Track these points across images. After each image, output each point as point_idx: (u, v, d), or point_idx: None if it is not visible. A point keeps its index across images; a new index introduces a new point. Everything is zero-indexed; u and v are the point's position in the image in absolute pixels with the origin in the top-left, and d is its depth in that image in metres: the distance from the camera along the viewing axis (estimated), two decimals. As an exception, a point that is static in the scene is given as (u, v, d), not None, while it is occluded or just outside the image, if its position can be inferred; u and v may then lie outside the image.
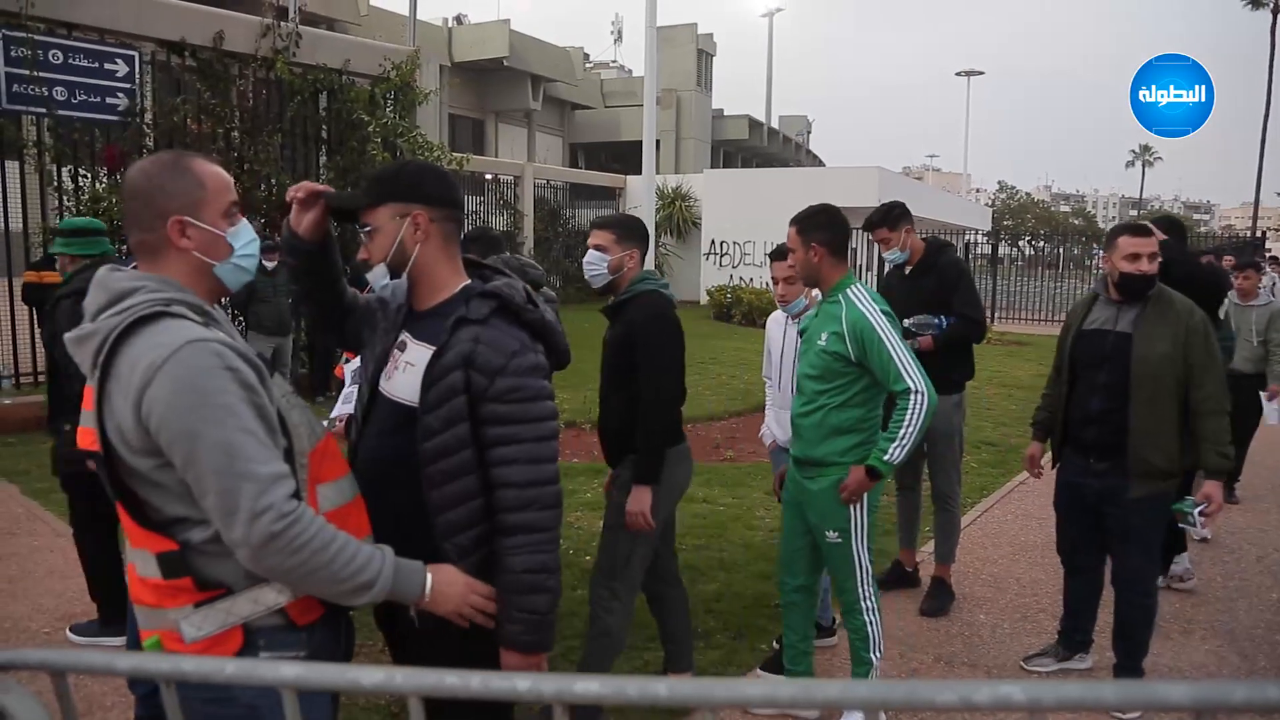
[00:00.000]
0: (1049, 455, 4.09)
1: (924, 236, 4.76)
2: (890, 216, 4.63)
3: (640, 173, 21.36)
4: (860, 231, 4.85)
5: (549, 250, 21.53)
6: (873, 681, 3.15)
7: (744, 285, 20.63)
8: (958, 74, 49.12)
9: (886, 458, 3.18)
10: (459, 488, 1.95)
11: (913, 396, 3.13)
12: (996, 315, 20.72)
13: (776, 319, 4.24)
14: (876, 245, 4.82)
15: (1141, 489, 3.64)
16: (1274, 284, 12.16)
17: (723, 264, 22.21)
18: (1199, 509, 3.68)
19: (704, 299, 21.47)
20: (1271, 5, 47.94)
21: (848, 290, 3.32)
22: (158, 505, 1.62)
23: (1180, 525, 3.71)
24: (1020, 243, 37.33)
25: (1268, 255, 14.55)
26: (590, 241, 3.40)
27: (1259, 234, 28.63)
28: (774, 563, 5.14)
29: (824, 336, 3.30)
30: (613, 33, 47.49)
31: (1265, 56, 47.29)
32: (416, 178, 2.04)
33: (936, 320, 4.51)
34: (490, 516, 1.98)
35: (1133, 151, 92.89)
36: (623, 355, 3.29)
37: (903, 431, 3.14)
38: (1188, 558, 5.19)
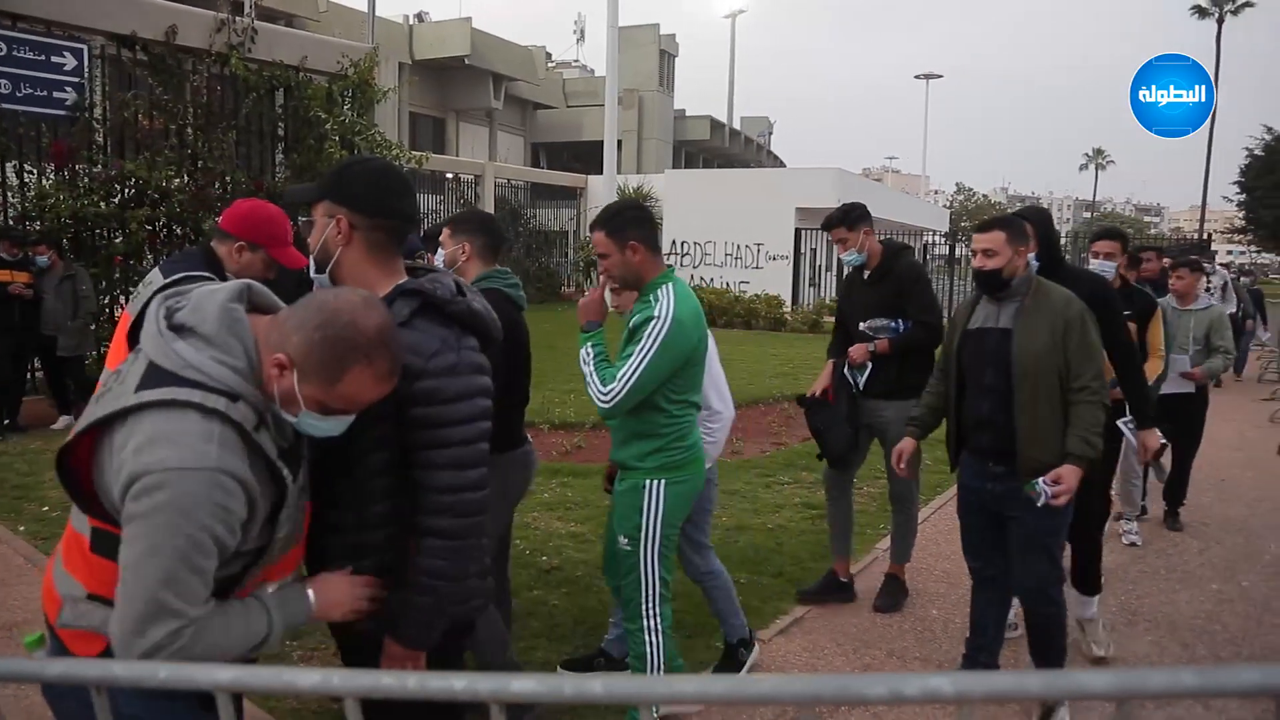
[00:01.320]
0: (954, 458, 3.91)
1: (882, 239, 4.77)
2: (850, 217, 4.61)
3: (602, 173, 21.44)
4: (820, 233, 4.88)
5: (510, 250, 21.46)
6: (807, 676, 3.08)
7: (705, 285, 20.72)
8: (916, 77, 49.68)
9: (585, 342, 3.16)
10: (375, 486, 1.92)
11: (606, 387, 3.02)
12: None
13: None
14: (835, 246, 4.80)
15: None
16: (1225, 285, 12.10)
17: (684, 264, 22.27)
18: (1048, 486, 3.44)
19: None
20: (1216, 15, 49.10)
21: (660, 289, 3.10)
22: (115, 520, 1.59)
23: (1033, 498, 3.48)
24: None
25: (1214, 258, 14.77)
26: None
27: (1205, 236, 29.29)
28: (731, 562, 5.15)
29: (626, 335, 3.16)
30: (575, 32, 47.35)
31: (1211, 64, 48.27)
32: (350, 181, 1.99)
33: (893, 324, 4.50)
34: (402, 518, 1.94)
35: (1086, 155, 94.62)
36: None
37: (590, 372, 3.09)
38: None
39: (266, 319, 1.69)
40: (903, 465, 3.94)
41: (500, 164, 26.10)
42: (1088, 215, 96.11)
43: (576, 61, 46.83)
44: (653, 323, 2.99)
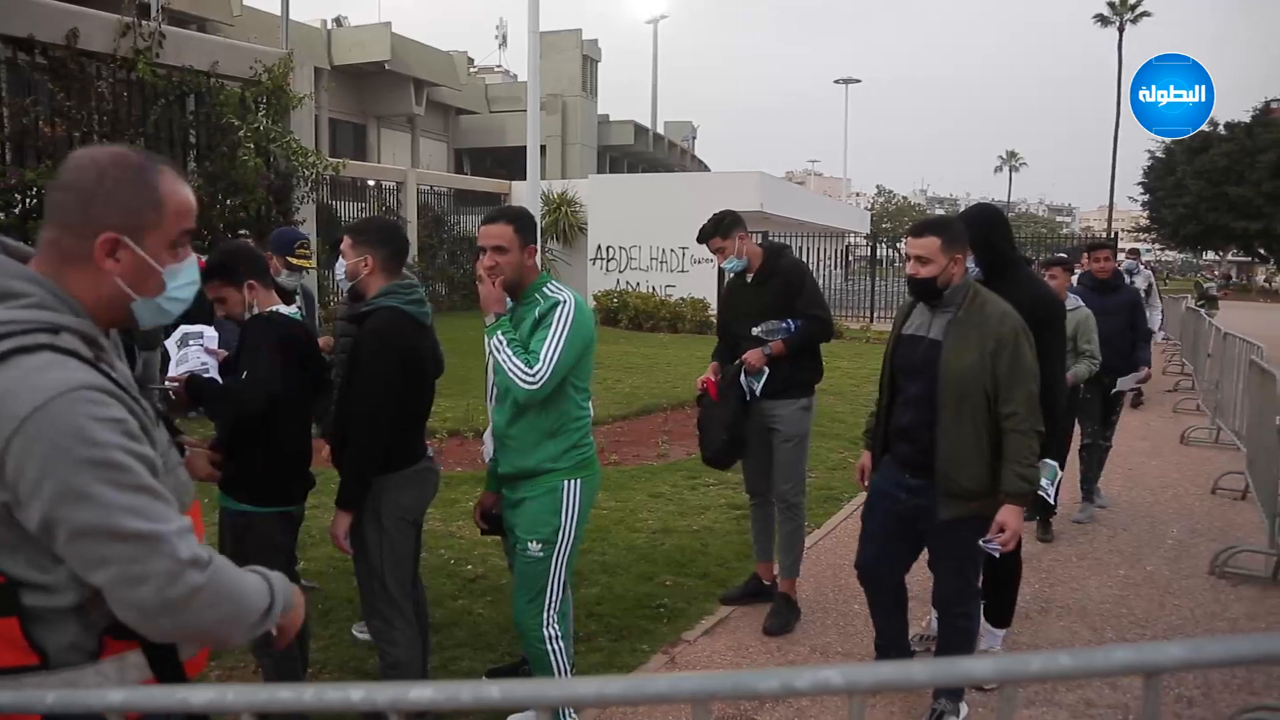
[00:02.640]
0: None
1: (760, 242, 4.77)
2: (722, 226, 4.52)
3: (525, 178, 21.27)
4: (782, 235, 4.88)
5: (434, 258, 21.22)
6: (701, 674, 2.92)
7: (631, 290, 20.78)
8: (836, 82, 50.61)
9: (493, 327, 3.14)
10: None
11: (535, 368, 3.04)
12: (876, 315, 21.41)
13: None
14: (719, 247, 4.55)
15: (950, 510, 3.31)
16: (1150, 287, 11.99)
17: (609, 269, 22.28)
18: (986, 543, 3.29)
19: (591, 304, 21.48)
20: (1117, 24, 51.17)
21: (547, 287, 3.21)
22: None
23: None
24: (898, 245, 38.68)
25: (1128, 251, 15.03)
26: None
27: (1112, 235, 30.44)
28: (657, 564, 5.22)
29: (527, 331, 3.17)
30: (497, 38, 47.16)
31: (1114, 70, 50.30)
32: None
33: (784, 324, 4.41)
34: None
35: (1000, 157, 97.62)
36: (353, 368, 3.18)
37: (506, 360, 3.07)
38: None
39: (40, 255, 1.50)
40: (865, 482, 3.79)
41: (422, 170, 25.78)
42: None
43: (499, 67, 46.63)
44: (559, 307, 3.11)
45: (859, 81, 50.77)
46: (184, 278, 1.57)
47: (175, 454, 1.63)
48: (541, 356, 3.05)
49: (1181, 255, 57.38)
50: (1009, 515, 3.21)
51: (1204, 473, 7.75)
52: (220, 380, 3.34)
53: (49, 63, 9.36)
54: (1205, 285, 18.34)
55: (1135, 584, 5.22)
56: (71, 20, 9.45)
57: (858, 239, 25.85)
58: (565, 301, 3.14)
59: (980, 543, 3.26)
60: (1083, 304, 5.97)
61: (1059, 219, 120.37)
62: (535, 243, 3.24)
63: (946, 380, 3.25)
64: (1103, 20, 51.98)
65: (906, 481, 3.47)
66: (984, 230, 3.85)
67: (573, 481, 3.23)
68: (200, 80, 10.58)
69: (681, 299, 19.73)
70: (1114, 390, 6.48)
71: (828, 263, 22.31)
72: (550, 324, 3.09)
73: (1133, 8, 51.13)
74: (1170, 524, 6.39)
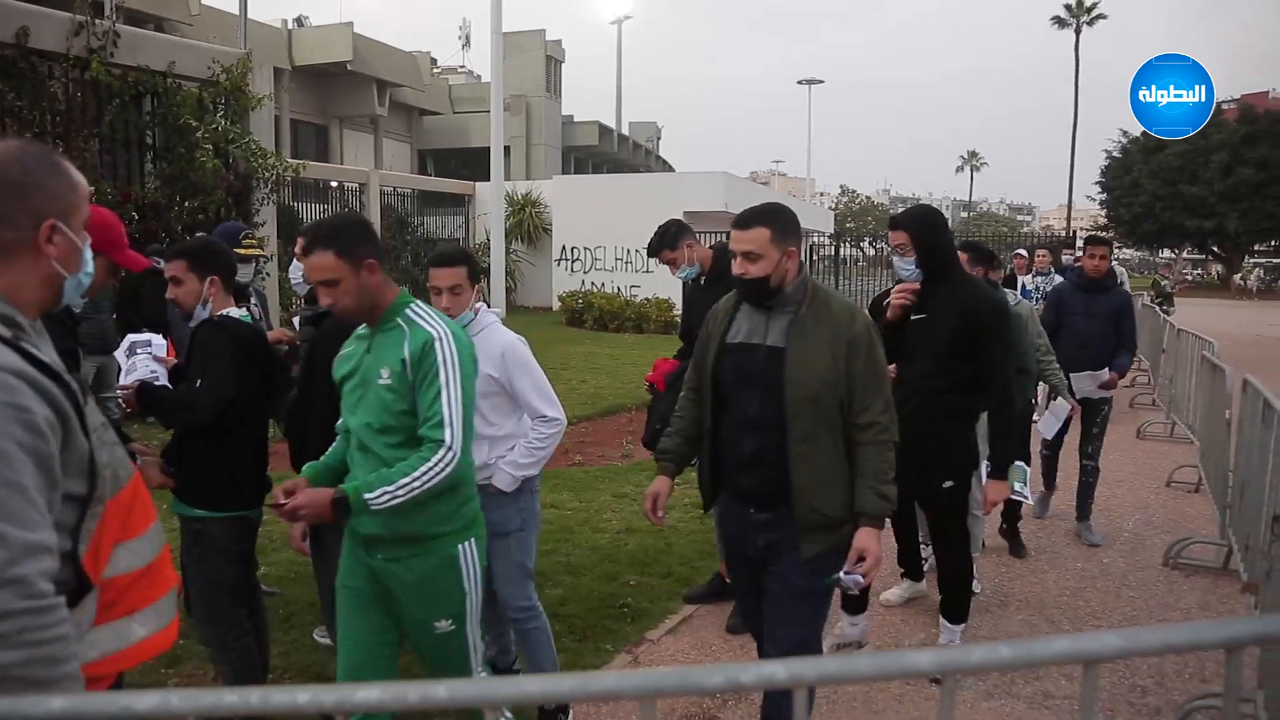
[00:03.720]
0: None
1: (712, 244, 4.80)
2: (668, 237, 4.50)
3: (489, 179, 21.20)
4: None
5: (397, 259, 21.06)
6: (647, 670, 2.59)
7: (596, 290, 20.76)
8: (799, 82, 50.94)
9: (368, 496, 2.47)
10: None
11: (442, 451, 2.51)
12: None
13: None
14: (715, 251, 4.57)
15: (813, 546, 2.79)
16: (1122, 280, 11.96)
17: (574, 270, 22.27)
18: (847, 575, 2.79)
19: (556, 305, 21.49)
20: (1074, 26, 52.04)
21: (407, 310, 2.67)
22: None
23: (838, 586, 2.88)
24: (862, 244, 39.07)
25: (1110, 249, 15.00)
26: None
27: (1071, 233, 30.93)
28: (620, 564, 5.23)
29: (385, 373, 2.60)
30: (460, 38, 46.86)
31: (1070, 70, 51.11)
32: None
33: None
34: None
35: (962, 157, 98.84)
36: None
37: (409, 481, 2.48)
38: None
39: None
40: (659, 514, 3.11)
41: (386, 171, 25.58)
42: (965, 215, 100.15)
43: (463, 67, 46.38)
44: (437, 347, 2.57)
45: (822, 82, 51.19)
46: (89, 254, 1.66)
47: (110, 433, 1.64)
48: (444, 421, 2.52)
49: (1138, 253, 58.38)
50: (869, 540, 2.75)
51: (1159, 466, 7.89)
52: (170, 387, 3.32)
53: (-1, 62, 9.19)
54: (1162, 283, 18.67)
55: (1092, 577, 5.31)
56: (21, 18, 9.27)
57: (821, 239, 25.98)
58: (439, 338, 2.59)
59: (841, 575, 2.77)
60: (1022, 299, 5.78)
61: (1019, 218, 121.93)
62: (375, 255, 2.61)
63: (796, 392, 2.74)
64: (1060, 22, 52.85)
65: (753, 518, 2.90)
66: (927, 232, 3.75)
67: (467, 544, 2.74)
68: (157, 80, 10.42)
69: (646, 299, 19.75)
70: (1079, 397, 5.87)
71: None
72: (433, 372, 2.55)
73: (1089, 10, 52.01)
74: (1126, 517, 6.50)
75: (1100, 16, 52.19)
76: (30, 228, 1.52)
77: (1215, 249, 48.74)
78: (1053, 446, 6.25)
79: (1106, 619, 4.71)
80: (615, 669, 4.07)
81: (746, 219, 2.85)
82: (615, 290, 20.81)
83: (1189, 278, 48.89)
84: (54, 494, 1.43)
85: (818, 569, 2.80)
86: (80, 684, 1.41)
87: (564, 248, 22.49)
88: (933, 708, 3.73)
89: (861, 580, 2.79)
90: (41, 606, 1.33)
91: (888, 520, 3.04)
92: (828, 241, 26.29)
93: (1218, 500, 6.02)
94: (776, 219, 2.83)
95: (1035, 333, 5.45)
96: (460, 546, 2.71)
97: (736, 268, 2.82)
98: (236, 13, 13.63)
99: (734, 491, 2.95)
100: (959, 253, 4.99)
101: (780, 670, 1.08)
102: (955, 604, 4.24)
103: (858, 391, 2.75)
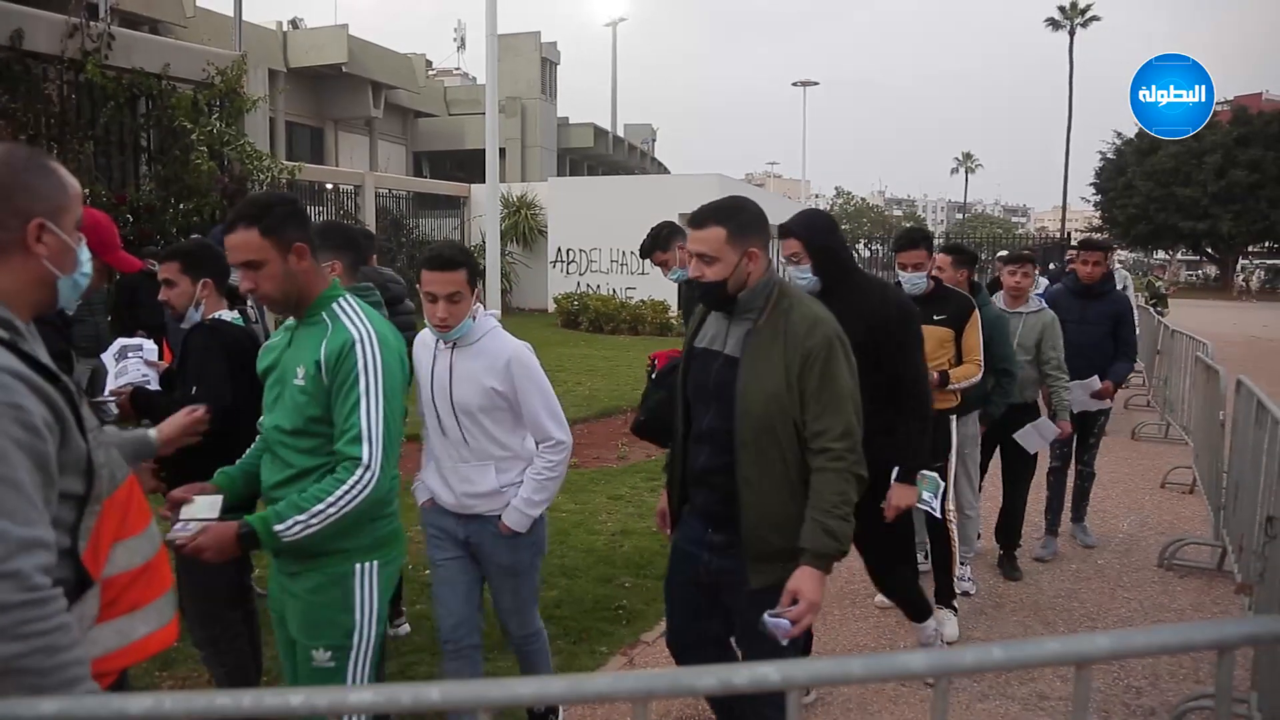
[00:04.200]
0: None
1: None
2: (660, 239, 4.49)
3: (485, 181, 21.19)
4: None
5: (393, 261, 21.03)
6: (639, 672, 2.41)
7: (591, 293, 20.77)
8: (794, 84, 51.11)
9: (279, 527, 2.26)
10: None
11: (359, 472, 2.27)
12: (835, 316, 21.57)
13: (425, 342, 3.12)
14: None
15: (762, 577, 2.56)
16: (1126, 287, 11.28)
17: (569, 272, 22.28)
18: (771, 617, 2.43)
19: (551, 307, 21.50)
20: (1068, 27, 52.24)
21: (334, 304, 2.41)
22: None
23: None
24: (857, 245, 39.17)
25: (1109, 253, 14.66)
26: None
27: (1066, 235, 30.99)
28: (616, 566, 5.23)
29: (300, 373, 2.37)
30: (455, 40, 46.83)
31: (1065, 72, 51.30)
32: None
33: None
34: None
35: (956, 159, 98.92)
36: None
37: (324, 507, 2.26)
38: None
39: None
40: (670, 530, 2.97)
41: (381, 174, 25.57)
42: (960, 217, 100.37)
43: (458, 69, 46.36)
44: (355, 345, 2.32)
45: (817, 84, 51.44)
46: (85, 254, 1.68)
47: (103, 433, 1.70)
48: (361, 435, 2.28)
49: (1132, 255, 58.56)
50: (805, 581, 2.43)
51: (1154, 467, 7.91)
52: (160, 391, 3.32)
53: (-7, 64, 9.18)
54: (1156, 284, 18.71)
55: (1086, 578, 5.32)
56: (16, 21, 9.27)
57: (817, 240, 26.08)
58: (360, 340, 2.33)
59: (765, 616, 2.43)
60: (1046, 306, 5.47)
61: (1014, 219, 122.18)
62: (307, 240, 2.38)
63: (745, 409, 2.53)
64: (1054, 24, 53.03)
65: (709, 538, 2.72)
66: (821, 237, 3.47)
67: (367, 565, 2.43)
68: (151, 82, 10.42)
69: (642, 301, 19.76)
70: (1076, 412, 5.52)
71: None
72: (352, 379, 2.30)
73: (1082, 12, 52.18)
74: (1121, 518, 6.51)
75: (1094, 18, 52.39)
76: (18, 228, 1.54)
77: (1209, 250, 48.91)
78: (1059, 472, 5.82)
79: (1101, 620, 4.72)
80: (610, 671, 4.07)
81: (700, 217, 2.60)
82: (611, 292, 20.80)
83: (1180, 279, 49.01)
84: (51, 491, 1.47)
85: (767, 604, 2.46)
86: (86, 669, 1.45)
87: (559, 250, 22.49)
88: (928, 710, 3.73)
89: (787, 626, 2.39)
90: (38, 599, 1.37)
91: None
92: (823, 243, 26.32)
93: (1212, 501, 6.03)
94: (734, 216, 2.59)
95: (1050, 345, 5.23)
96: (357, 567, 2.41)
97: (691, 270, 2.62)
98: (231, 15, 13.64)
99: (693, 506, 2.79)
100: (942, 254, 4.99)
101: (773, 672, 1.08)
102: (912, 611, 4.00)
103: (810, 412, 2.50)
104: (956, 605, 4.52)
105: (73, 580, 1.52)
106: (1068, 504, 5.93)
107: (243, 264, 2.32)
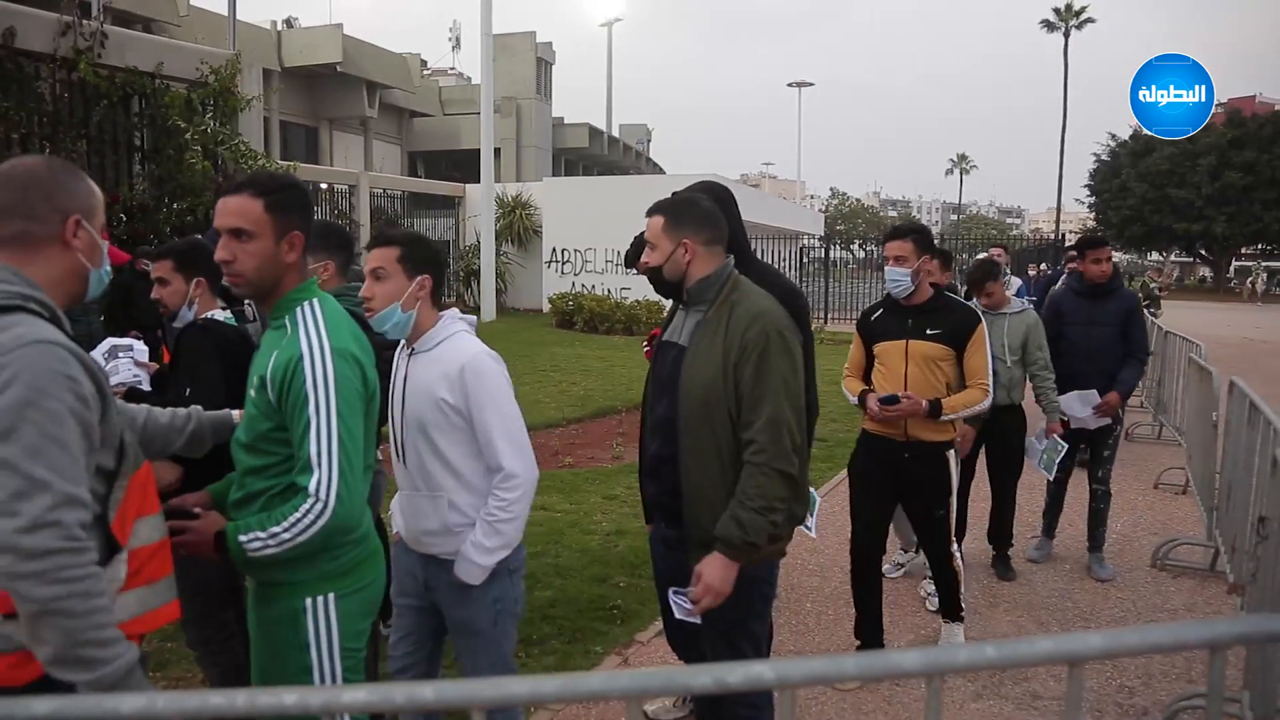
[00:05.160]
0: None
1: None
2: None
3: (480, 181, 21.23)
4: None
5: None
6: (633, 671, 2.12)
7: (586, 292, 20.77)
8: (789, 85, 51.15)
9: (243, 538, 2.06)
10: None
11: (308, 504, 2.05)
12: (829, 316, 21.61)
13: (400, 349, 2.77)
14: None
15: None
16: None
17: (564, 271, 22.30)
18: (675, 593, 2.61)
19: (546, 307, 21.50)
20: (1063, 29, 52.37)
21: (299, 309, 2.17)
22: None
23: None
24: (852, 246, 39.23)
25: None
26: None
27: (1061, 236, 31.06)
28: (610, 566, 5.23)
29: (255, 381, 2.18)
30: (451, 40, 46.83)
31: (1060, 73, 51.41)
32: None
33: None
34: None
35: (951, 160, 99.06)
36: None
37: (278, 531, 2.05)
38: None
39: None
40: None
41: (376, 173, 25.58)
42: (955, 218, 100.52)
43: (453, 69, 46.38)
44: (302, 361, 2.08)
45: (812, 85, 51.49)
46: (106, 254, 1.87)
47: (127, 416, 1.92)
48: (311, 463, 2.05)
49: (1126, 256, 58.77)
50: (709, 566, 2.46)
51: (1147, 468, 7.92)
52: (152, 391, 3.31)
53: (-15, 62, 9.15)
54: (1150, 285, 18.77)
55: (1080, 578, 5.33)
56: (8, 19, 9.25)
57: (812, 241, 26.09)
58: (308, 354, 2.09)
59: (670, 592, 2.58)
60: (1030, 307, 5.39)
61: (1009, 220, 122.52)
62: (305, 234, 2.21)
63: (685, 395, 2.58)
64: (1049, 26, 53.17)
65: (663, 532, 2.77)
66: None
67: (321, 599, 2.17)
68: (145, 81, 10.41)
69: (637, 301, 19.76)
70: (1073, 426, 5.37)
71: (782, 264, 22.49)
72: (301, 399, 2.06)
73: (1078, 14, 52.32)
74: (1114, 519, 6.50)
75: (1089, 20, 52.55)
76: (58, 224, 1.73)
77: (1203, 252, 49.05)
78: (1060, 483, 5.65)
79: (1094, 620, 4.73)
80: (604, 670, 4.07)
81: (650, 208, 2.76)
82: (605, 292, 20.82)
83: (1174, 282, 49.17)
84: (91, 459, 1.64)
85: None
86: (113, 618, 1.60)
87: (554, 250, 22.51)
88: (922, 709, 3.74)
89: (689, 606, 2.47)
90: (76, 547, 1.54)
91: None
92: (818, 243, 26.38)
93: (1205, 502, 6.05)
94: (673, 209, 2.70)
95: (1036, 345, 5.15)
96: (307, 601, 2.15)
97: (645, 256, 2.76)
98: (225, 14, 13.61)
99: (651, 502, 2.82)
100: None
101: (767, 671, 1.08)
102: (947, 604, 4.23)
103: (744, 405, 2.51)
104: (964, 617, 4.48)
105: (104, 546, 1.67)
106: (1068, 509, 5.88)
107: (231, 230, 2.13)
